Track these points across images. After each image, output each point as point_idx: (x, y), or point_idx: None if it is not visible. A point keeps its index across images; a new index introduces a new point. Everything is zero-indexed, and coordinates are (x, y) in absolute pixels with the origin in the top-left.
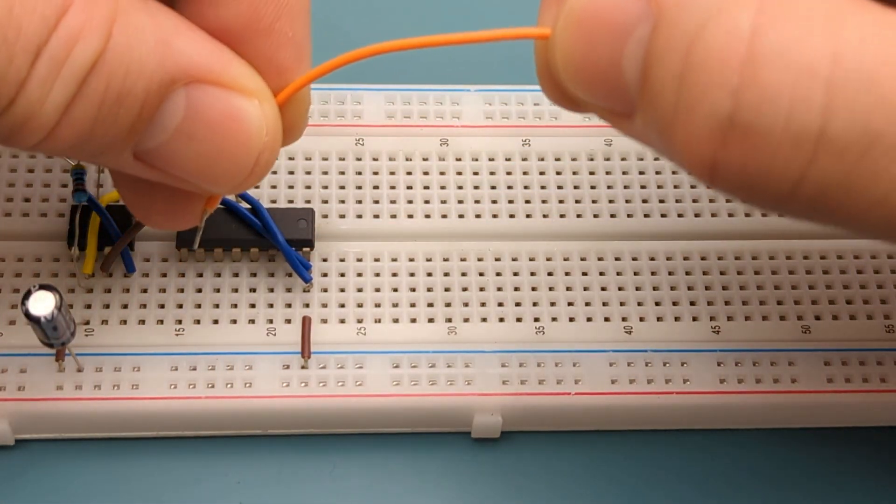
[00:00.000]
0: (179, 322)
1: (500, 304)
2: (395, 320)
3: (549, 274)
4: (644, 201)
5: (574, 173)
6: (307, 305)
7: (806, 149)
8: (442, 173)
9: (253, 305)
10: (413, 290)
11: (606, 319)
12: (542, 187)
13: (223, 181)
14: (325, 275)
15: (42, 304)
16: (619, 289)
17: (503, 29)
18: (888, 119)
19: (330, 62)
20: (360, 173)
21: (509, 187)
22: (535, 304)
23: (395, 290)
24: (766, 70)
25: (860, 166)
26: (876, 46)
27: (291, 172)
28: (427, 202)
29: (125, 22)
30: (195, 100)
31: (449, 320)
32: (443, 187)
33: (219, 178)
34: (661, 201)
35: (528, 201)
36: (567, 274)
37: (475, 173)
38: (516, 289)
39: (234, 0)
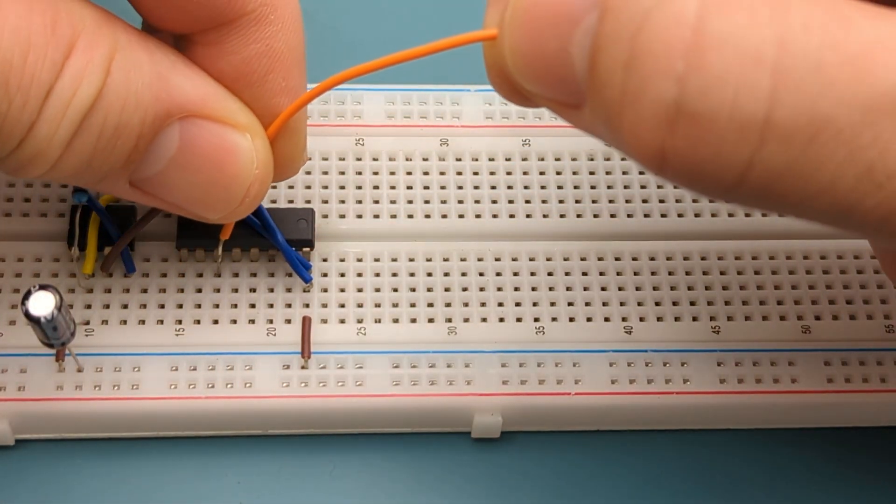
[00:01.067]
0: (179, 322)
1: (500, 305)
2: (395, 320)
3: (549, 274)
4: (644, 201)
5: (574, 173)
6: (307, 305)
7: (752, 135)
8: (442, 173)
9: (253, 305)
10: (413, 290)
11: (606, 319)
12: (542, 187)
13: (215, 210)
14: (325, 275)
15: (42, 304)
16: (619, 289)
17: (451, 38)
18: (834, 105)
19: (314, 89)
20: (360, 173)
21: (509, 187)
22: (535, 305)
23: (395, 290)
24: (712, 56)
25: (807, 153)
26: (821, 32)
27: None
28: (427, 202)
29: (123, 58)
30: (189, 133)
31: (449, 320)
32: (443, 187)
33: (210, 207)
34: (661, 201)
35: (528, 201)
36: (567, 274)
37: (475, 173)
38: (516, 289)
39: (227, 53)
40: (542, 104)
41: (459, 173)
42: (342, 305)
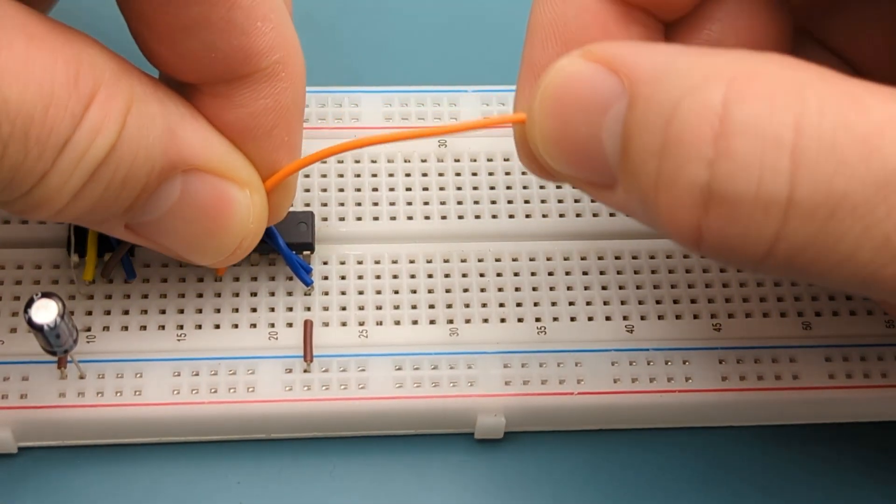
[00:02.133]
0: (181, 327)
1: (502, 305)
2: (397, 322)
3: (550, 274)
4: None
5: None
6: (308, 309)
7: (776, 214)
8: (441, 174)
9: (254, 310)
10: (414, 291)
11: (608, 319)
12: (542, 187)
13: (206, 258)
14: (325, 278)
15: (45, 312)
16: (620, 288)
17: (483, 119)
18: (849, 182)
19: (317, 153)
20: (358, 176)
21: (508, 188)
22: (536, 305)
23: (396, 292)
24: (737, 142)
25: (827, 227)
26: (835, 114)
27: None
28: (426, 204)
29: (138, 111)
30: (190, 185)
31: (450, 322)
32: (442, 189)
33: (202, 255)
34: None
35: (527, 201)
36: (567, 273)
37: (474, 174)
38: (517, 289)
39: (235, 106)
40: (572, 184)
41: (458, 174)
42: (343, 308)
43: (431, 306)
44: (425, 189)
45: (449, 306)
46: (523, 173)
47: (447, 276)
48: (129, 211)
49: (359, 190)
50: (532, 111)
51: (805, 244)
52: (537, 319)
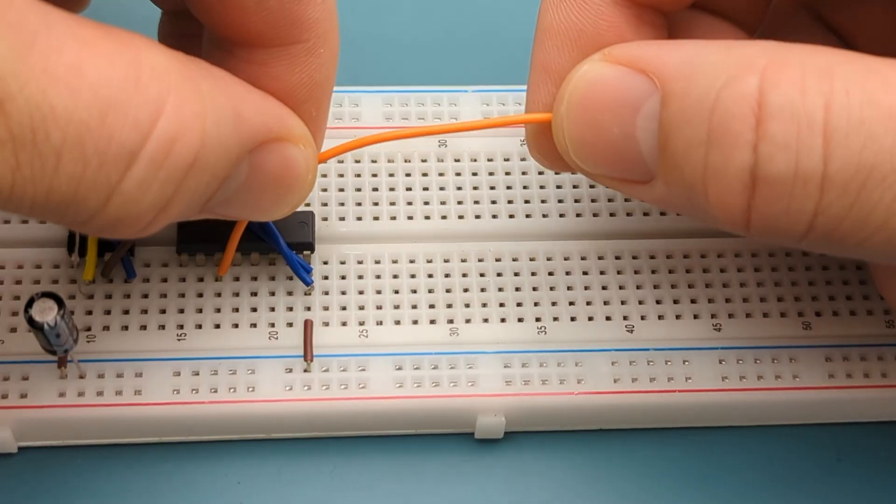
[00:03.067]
0: (181, 327)
1: (502, 305)
2: (397, 322)
3: (550, 274)
4: None
5: (573, 172)
6: (309, 309)
7: (814, 189)
8: (441, 174)
9: (254, 309)
10: (414, 291)
11: (608, 318)
12: (541, 187)
13: (272, 216)
14: (325, 278)
15: (45, 311)
16: (620, 288)
17: (506, 116)
18: (877, 154)
19: (362, 139)
20: (359, 175)
21: (508, 187)
22: (536, 305)
23: (397, 291)
24: (774, 126)
25: (860, 199)
26: (860, 92)
27: None
28: (427, 203)
29: (213, 111)
30: (257, 159)
31: (451, 321)
32: (442, 188)
33: (269, 215)
34: None
35: (527, 201)
36: (568, 273)
37: (474, 174)
38: (517, 289)
39: (271, 77)
40: (603, 182)
41: (458, 174)
42: (344, 308)
43: (431, 306)
44: (425, 189)
45: (449, 306)
46: (523, 173)
47: (447, 276)
48: (206, 203)
49: (359, 190)
50: (559, 118)
51: (841, 216)
52: (537, 319)
